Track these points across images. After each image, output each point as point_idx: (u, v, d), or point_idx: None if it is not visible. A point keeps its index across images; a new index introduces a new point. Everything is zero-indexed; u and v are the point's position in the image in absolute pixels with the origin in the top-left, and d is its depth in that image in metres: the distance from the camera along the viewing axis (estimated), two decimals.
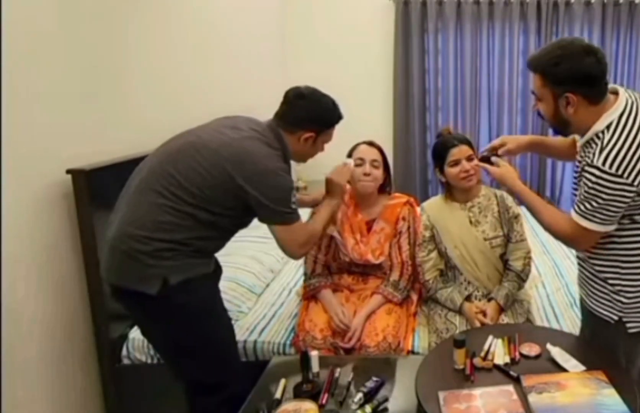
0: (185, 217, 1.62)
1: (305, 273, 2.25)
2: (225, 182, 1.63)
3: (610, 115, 1.44)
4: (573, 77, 1.42)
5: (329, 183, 1.94)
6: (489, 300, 2.07)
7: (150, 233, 1.59)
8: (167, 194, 1.61)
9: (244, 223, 1.83)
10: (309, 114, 1.79)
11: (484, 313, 2.02)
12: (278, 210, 1.68)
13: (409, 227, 2.20)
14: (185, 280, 1.62)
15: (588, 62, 1.41)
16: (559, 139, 1.85)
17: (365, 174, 2.10)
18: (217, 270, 1.86)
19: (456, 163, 2.03)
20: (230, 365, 1.80)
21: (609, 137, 1.42)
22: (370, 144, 2.17)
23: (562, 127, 1.54)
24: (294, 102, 1.80)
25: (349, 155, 2.15)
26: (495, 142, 1.89)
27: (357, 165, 2.11)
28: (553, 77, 1.44)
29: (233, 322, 2.21)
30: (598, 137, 1.44)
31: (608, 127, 1.43)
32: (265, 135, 1.73)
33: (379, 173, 2.14)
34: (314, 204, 2.08)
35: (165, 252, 1.60)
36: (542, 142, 1.99)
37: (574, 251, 2.82)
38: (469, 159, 2.04)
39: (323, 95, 1.84)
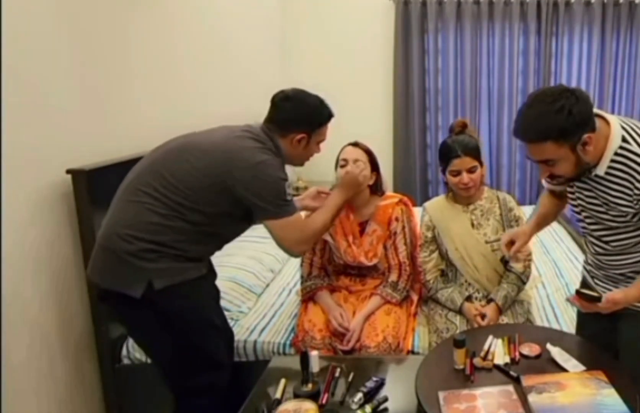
0: (174, 218, 1.60)
1: (302, 277, 2.25)
2: (217, 179, 1.62)
3: (616, 130, 1.43)
4: (588, 116, 1.37)
5: (347, 175, 1.97)
6: (489, 301, 2.07)
7: (135, 233, 1.58)
8: (155, 194, 1.60)
9: (239, 228, 1.80)
10: (297, 116, 1.78)
11: (483, 316, 2.01)
12: (272, 202, 1.66)
13: (403, 227, 2.18)
14: (172, 285, 1.60)
15: (585, 93, 1.39)
16: (545, 202, 1.83)
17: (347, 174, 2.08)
18: (210, 273, 1.82)
19: (457, 173, 2.03)
20: (218, 368, 1.77)
21: (636, 138, 1.41)
22: (355, 144, 2.15)
23: (581, 173, 1.47)
24: (280, 105, 1.79)
25: (338, 158, 2.15)
26: (515, 247, 1.73)
27: (340, 167, 2.10)
28: (570, 131, 1.34)
29: (233, 322, 2.22)
30: (624, 149, 1.42)
31: (624, 138, 1.42)
32: (258, 135, 1.74)
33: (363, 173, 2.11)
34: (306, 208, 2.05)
35: (149, 253, 1.58)
36: (542, 217, 1.85)
37: (576, 254, 2.82)
38: (471, 170, 2.02)
39: (309, 95, 1.83)
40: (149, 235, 1.59)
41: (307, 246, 1.85)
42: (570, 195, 1.64)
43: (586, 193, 1.55)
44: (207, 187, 1.63)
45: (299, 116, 1.78)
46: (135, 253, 1.57)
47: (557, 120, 1.33)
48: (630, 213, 1.47)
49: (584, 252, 1.78)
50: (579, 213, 1.62)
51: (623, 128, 1.44)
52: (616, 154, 1.43)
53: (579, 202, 1.59)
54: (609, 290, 1.62)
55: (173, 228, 1.61)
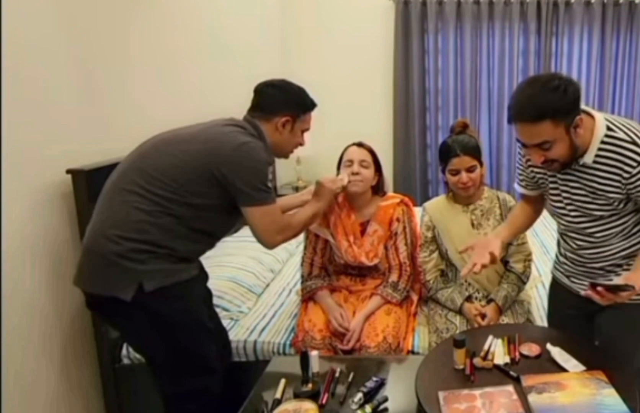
0: (161, 215, 1.59)
1: (302, 276, 2.25)
2: (203, 168, 1.62)
3: (600, 121, 1.46)
4: (579, 96, 1.40)
5: (319, 185, 1.97)
6: (489, 301, 2.07)
7: (123, 233, 1.55)
8: (141, 191, 1.59)
9: (227, 223, 1.78)
10: (282, 98, 1.81)
11: (483, 316, 2.02)
12: (255, 187, 1.65)
13: (404, 228, 2.18)
14: (163, 287, 1.57)
15: (573, 79, 1.44)
16: (518, 212, 1.82)
17: (354, 174, 2.09)
18: (201, 275, 1.80)
19: (456, 172, 2.03)
20: (210, 372, 1.76)
21: (620, 127, 1.45)
22: (360, 145, 2.16)
23: (572, 158, 1.48)
24: (264, 90, 1.82)
25: (341, 158, 2.16)
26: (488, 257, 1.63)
27: (346, 167, 2.11)
28: (566, 109, 1.37)
29: (233, 322, 2.22)
30: (611, 137, 1.44)
31: (609, 127, 1.46)
32: (241, 124, 1.75)
33: (368, 173, 2.12)
34: (301, 205, 2.04)
35: (140, 253, 1.55)
36: (511, 233, 1.82)
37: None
38: (470, 170, 2.02)
39: (292, 83, 1.87)
40: (136, 234, 1.56)
41: (283, 239, 1.80)
42: (552, 191, 1.64)
43: (572, 184, 1.56)
44: (194, 178, 1.62)
45: (284, 99, 1.81)
46: (124, 254, 1.54)
47: (554, 98, 1.35)
48: (617, 200, 1.49)
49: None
50: (563, 207, 1.62)
51: (606, 119, 1.48)
52: (603, 142, 1.45)
53: (565, 194, 1.59)
54: (586, 286, 1.62)
55: (159, 226, 1.59)
